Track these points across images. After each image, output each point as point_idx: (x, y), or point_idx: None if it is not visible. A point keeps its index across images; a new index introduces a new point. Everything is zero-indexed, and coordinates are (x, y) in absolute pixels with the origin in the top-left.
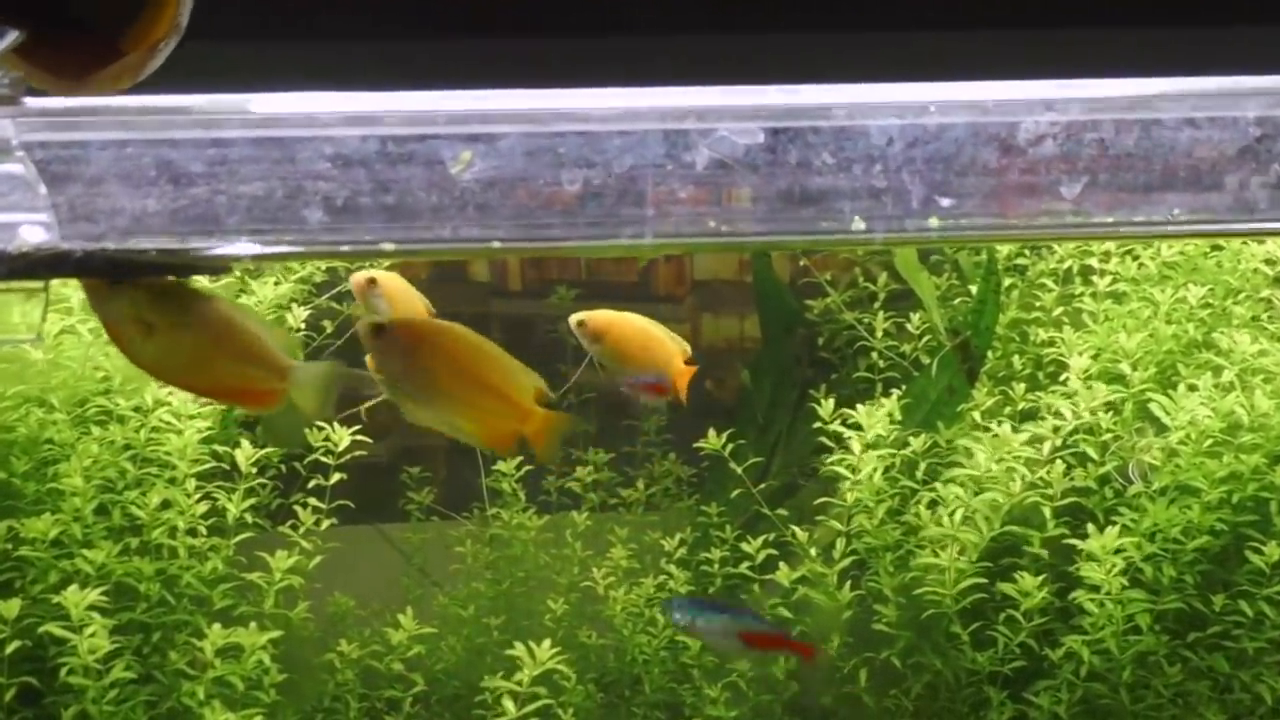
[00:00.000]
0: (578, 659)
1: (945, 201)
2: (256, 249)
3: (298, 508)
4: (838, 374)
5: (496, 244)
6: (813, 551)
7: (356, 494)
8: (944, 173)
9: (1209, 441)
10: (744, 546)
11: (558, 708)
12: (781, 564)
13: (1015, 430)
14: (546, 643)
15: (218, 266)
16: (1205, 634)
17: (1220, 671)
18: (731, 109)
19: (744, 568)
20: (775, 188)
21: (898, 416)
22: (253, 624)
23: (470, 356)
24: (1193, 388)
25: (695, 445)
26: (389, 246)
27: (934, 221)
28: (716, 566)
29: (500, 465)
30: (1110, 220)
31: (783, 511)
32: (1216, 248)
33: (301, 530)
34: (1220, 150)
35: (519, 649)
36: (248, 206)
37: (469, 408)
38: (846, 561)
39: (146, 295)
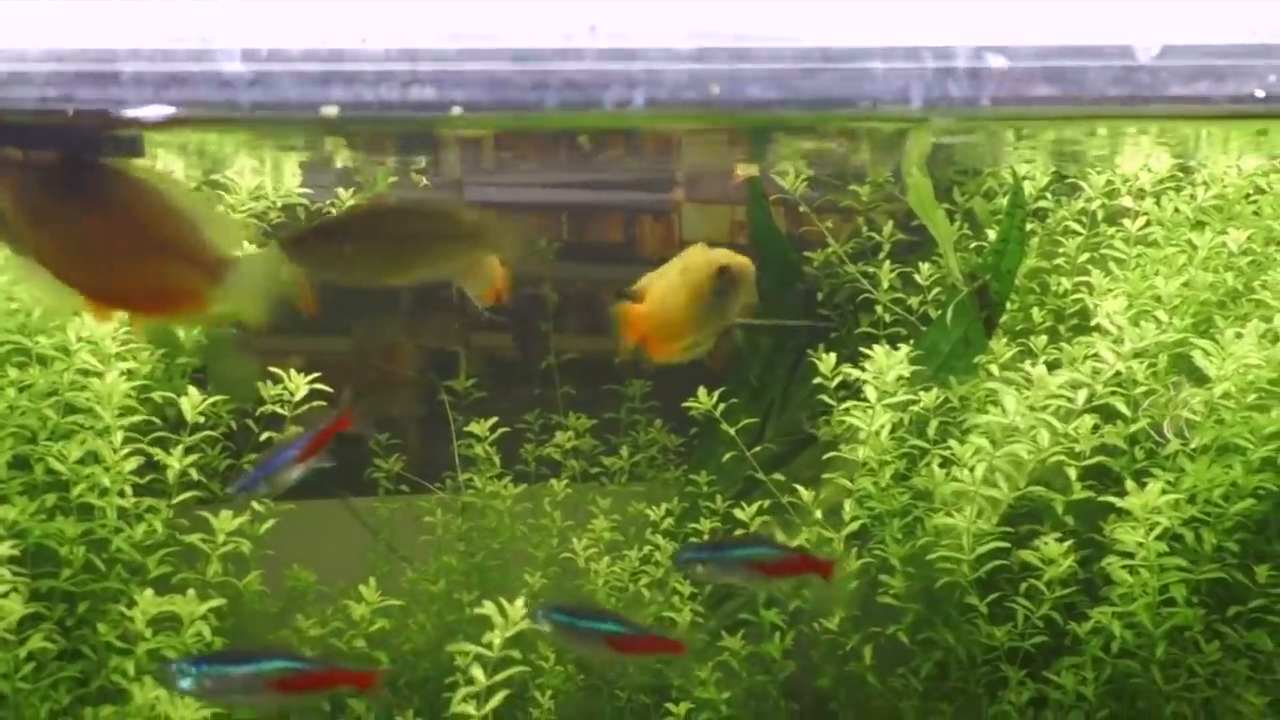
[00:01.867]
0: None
1: (997, 61)
2: (165, 110)
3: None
4: (838, 332)
5: (457, 110)
6: (817, 514)
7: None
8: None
9: (1254, 395)
10: (737, 514)
11: (534, 689)
12: (778, 533)
13: (1050, 373)
14: (519, 602)
15: (123, 141)
16: (1246, 608)
17: (1261, 649)
18: None
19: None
20: (793, 46)
21: (908, 369)
22: (190, 591)
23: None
24: (1239, 335)
25: (684, 406)
26: (331, 111)
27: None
28: (706, 537)
29: (474, 427)
30: (1189, 93)
31: (779, 477)
32: (1260, 191)
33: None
34: None
35: (490, 609)
36: (150, 56)
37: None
38: (854, 525)
39: (33, 172)
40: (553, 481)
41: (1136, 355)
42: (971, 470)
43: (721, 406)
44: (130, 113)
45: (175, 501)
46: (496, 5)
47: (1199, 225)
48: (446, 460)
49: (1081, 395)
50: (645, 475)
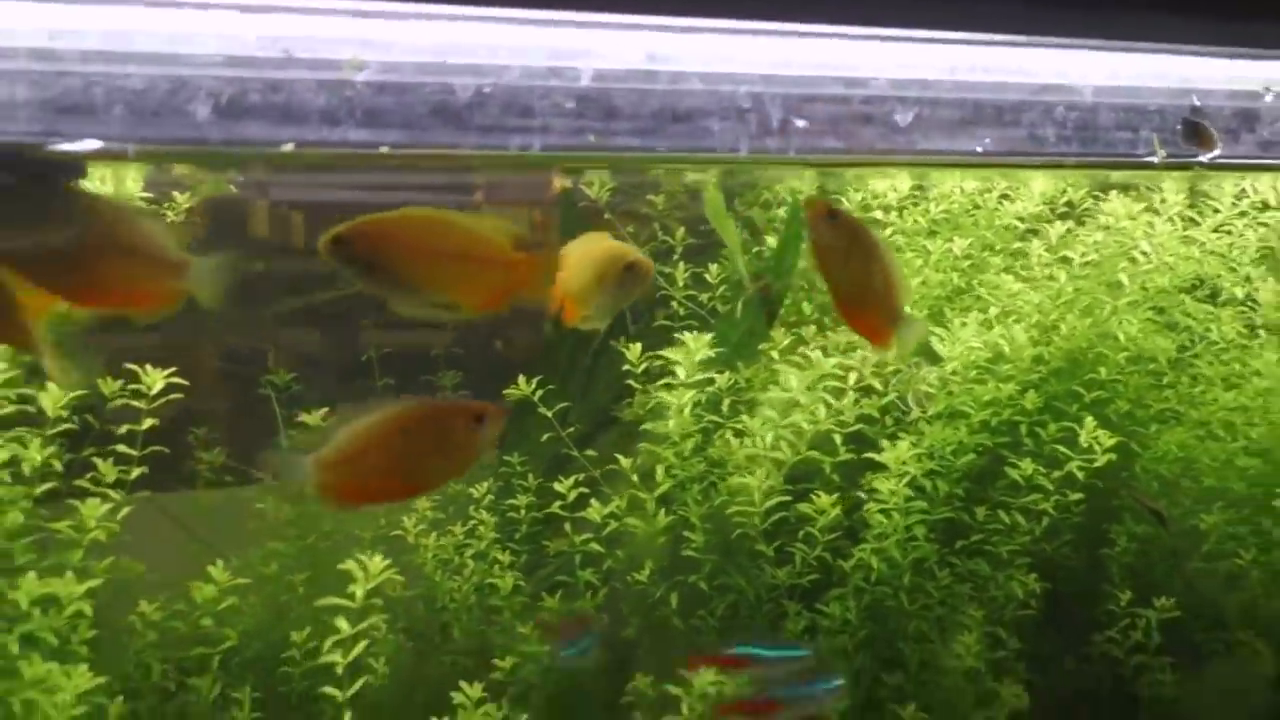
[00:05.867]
0: (387, 609)
1: (800, 123)
2: (132, 146)
3: (97, 460)
4: (636, 324)
5: (385, 149)
6: (635, 478)
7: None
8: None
9: (975, 371)
10: (556, 486)
11: (369, 658)
12: (593, 501)
13: (826, 356)
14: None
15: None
16: (969, 541)
17: (980, 574)
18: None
19: (556, 506)
20: (650, 106)
21: (707, 355)
22: (69, 573)
23: (434, 233)
24: (964, 325)
25: (504, 392)
26: (289, 147)
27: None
28: (523, 512)
29: (306, 417)
30: (932, 148)
31: (591, 453)
32: (976, 207)
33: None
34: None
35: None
36: (128, 100)
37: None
38: (666, 485)
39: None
40: None
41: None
42: (764, 438)
43: (540, 392)
44: (65, 146)
45: (37, 493)
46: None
47: (931, 234)
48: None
49: (852, 376)
50: None
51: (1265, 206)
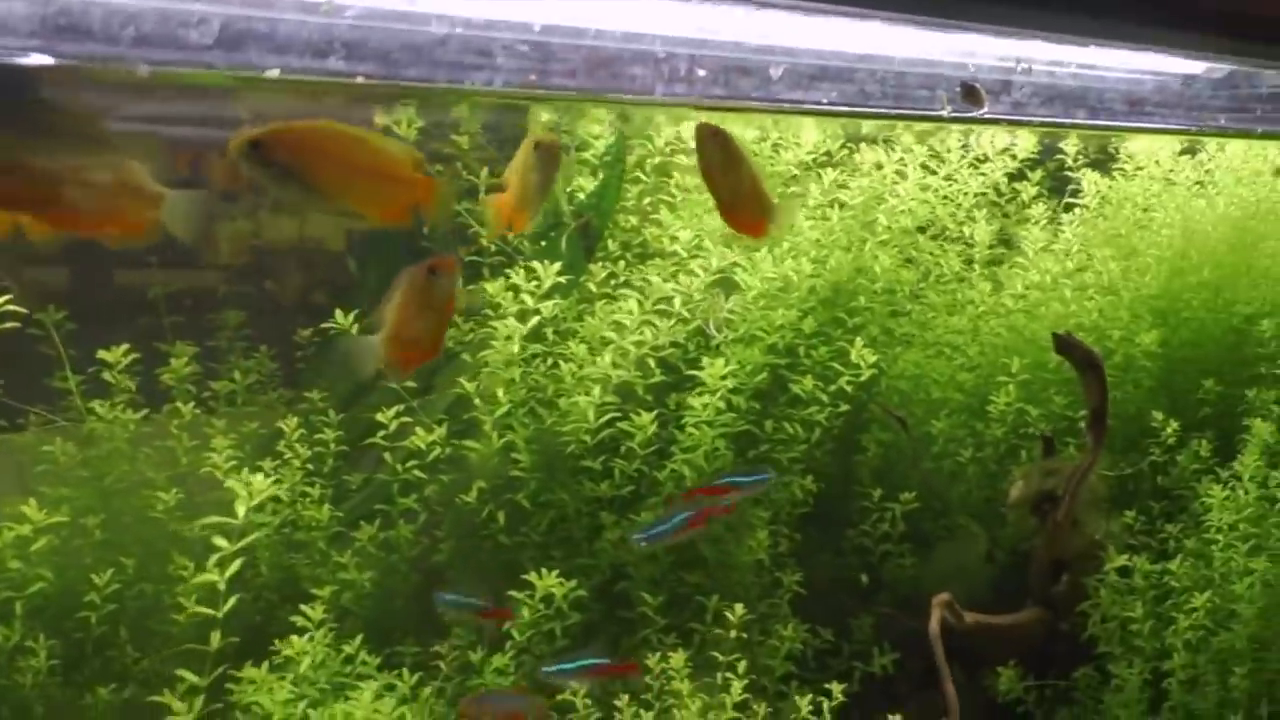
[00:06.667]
0: (190, 549)
1: (701, 72)
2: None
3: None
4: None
5: (360, 79)
6: (477, 401)
7: None
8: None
9: (767, 300)
10: (379, 418)
11: (178, 596)
12: (417, 429)
13: (663, 280)
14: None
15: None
16: (759, 450)
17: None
18: None
19: (379, 437)
20: (582, 54)
21: (542, 286)
22: None
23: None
24: (760, 259)
25: (323, 327)
26: (274, 73)
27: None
28: (331, 445)
29: (107, 354)
30: (794, 99)
31: (412, 384)
32: (754, 154)
33: None
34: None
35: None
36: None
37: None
38: (500, 410)
39: None
40: (178, 405)
41: (699, 274)
42: (603, 359)
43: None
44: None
45: None
46: None
47: None
48: (40, 394)
49: (678, 301)
50: (253, 400)
51: (984, 159)
